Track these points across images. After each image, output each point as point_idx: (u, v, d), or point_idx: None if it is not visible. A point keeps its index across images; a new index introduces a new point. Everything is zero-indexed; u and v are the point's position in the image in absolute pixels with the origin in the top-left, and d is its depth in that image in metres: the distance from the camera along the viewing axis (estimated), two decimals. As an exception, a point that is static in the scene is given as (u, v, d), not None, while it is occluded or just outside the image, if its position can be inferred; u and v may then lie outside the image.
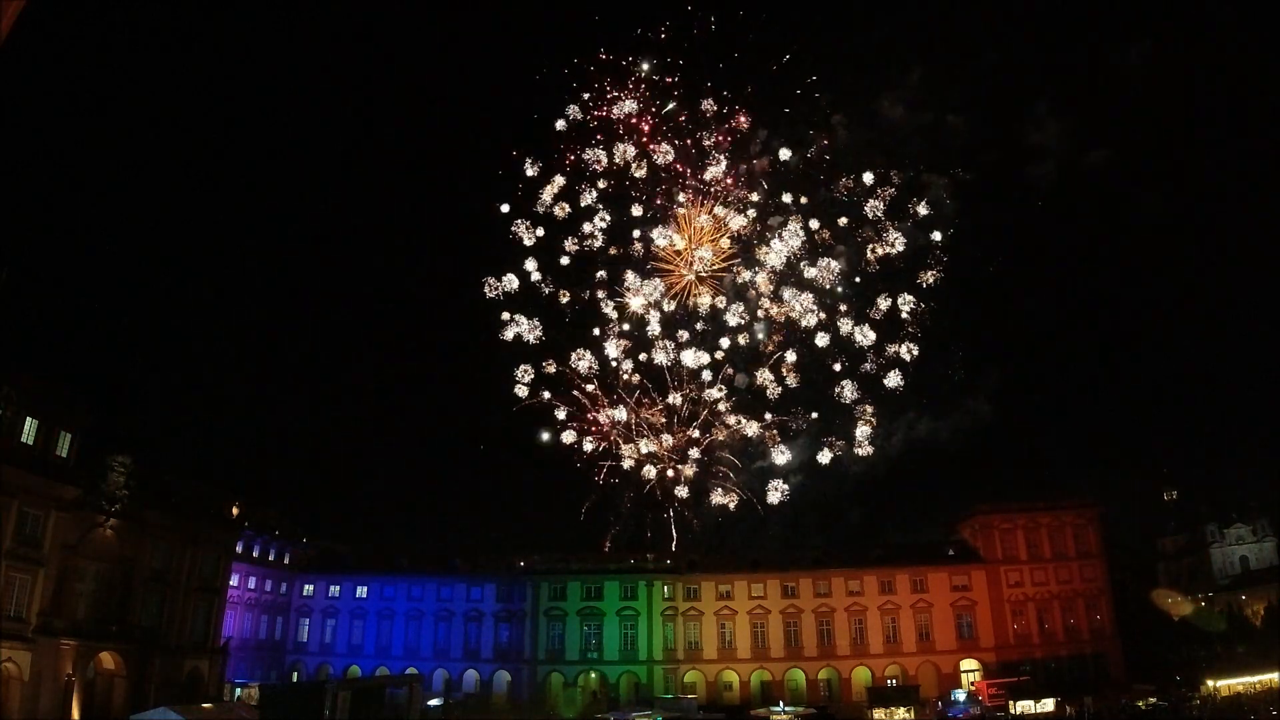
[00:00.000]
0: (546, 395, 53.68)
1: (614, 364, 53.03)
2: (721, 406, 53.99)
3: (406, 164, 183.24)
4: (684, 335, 53.35)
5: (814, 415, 53.28)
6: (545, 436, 54.33)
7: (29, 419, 53.59)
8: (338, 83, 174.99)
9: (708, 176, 52.91)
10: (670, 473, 54.09)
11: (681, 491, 54.19)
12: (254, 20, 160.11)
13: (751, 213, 53.06)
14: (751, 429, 53.41)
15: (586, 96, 53.03)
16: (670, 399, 53.51)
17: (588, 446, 54.60)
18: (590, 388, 53.84)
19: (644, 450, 53.72)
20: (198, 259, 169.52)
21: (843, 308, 52.26)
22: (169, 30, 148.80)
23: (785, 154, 53.08)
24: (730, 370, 53.39)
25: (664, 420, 54.08)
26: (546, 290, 53.41)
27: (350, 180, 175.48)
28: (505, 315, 53.04)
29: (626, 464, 54.25)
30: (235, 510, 74.81)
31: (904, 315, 51.52)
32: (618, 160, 52.45)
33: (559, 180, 52.95)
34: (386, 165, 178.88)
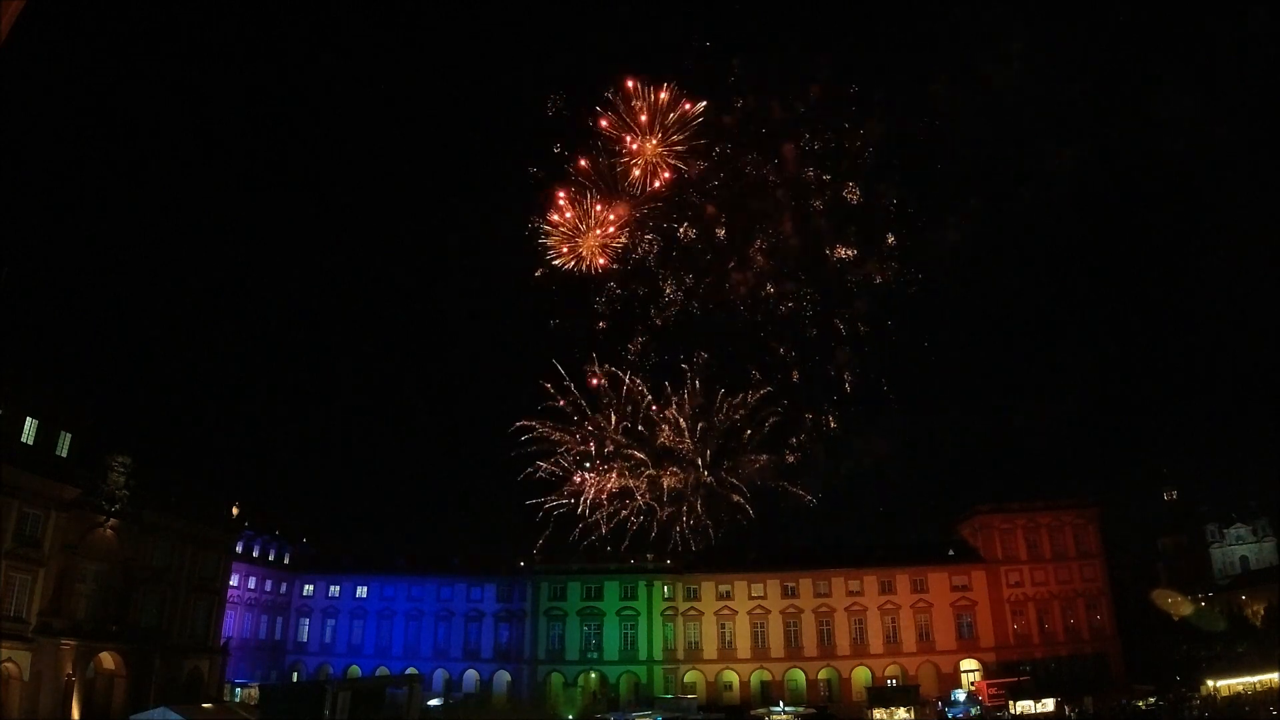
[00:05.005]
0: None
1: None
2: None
3: (404, 166, 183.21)
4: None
5: None
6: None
7: (29, 419, 53.42)
8: (336, 87, 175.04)
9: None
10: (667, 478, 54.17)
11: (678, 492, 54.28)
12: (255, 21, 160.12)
13: None
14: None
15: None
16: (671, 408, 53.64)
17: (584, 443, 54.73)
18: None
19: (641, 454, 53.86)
20: (197, 259, 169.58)
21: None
22: (174, 29, 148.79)
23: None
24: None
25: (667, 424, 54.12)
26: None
27: (349, 180, 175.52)
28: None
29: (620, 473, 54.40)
30: (235, 510, 74.74)
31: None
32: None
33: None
34: (384, 169, 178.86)
